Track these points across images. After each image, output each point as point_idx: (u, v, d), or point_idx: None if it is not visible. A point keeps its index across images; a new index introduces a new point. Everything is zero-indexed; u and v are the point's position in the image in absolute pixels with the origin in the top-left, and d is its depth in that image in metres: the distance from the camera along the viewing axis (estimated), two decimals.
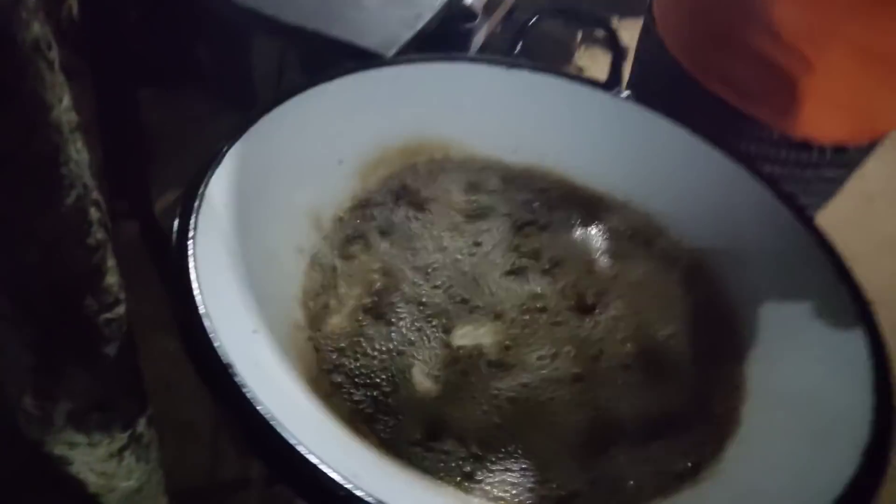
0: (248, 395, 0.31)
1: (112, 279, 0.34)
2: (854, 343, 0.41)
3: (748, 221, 0.50)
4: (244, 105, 1.15)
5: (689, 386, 0.43)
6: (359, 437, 0.37)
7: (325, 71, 0.49)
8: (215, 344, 0.33)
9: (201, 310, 0.34)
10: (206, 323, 0.33)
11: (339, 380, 0.40)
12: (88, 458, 0.37)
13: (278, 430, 0.30)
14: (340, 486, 0.30)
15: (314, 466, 0.30)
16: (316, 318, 0.42)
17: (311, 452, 0.30)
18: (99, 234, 0.32)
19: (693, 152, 0.52)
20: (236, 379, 0.32)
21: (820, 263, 0.46)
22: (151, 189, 1.08)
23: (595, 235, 0.51)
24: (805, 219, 0.48)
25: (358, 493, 0.29)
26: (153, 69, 1.14)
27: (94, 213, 0.31)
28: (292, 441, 0.30)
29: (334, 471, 0.30)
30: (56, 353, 0.33)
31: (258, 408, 0.31)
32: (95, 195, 0.32)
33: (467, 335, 0.42)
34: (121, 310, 0.35)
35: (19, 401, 0.34)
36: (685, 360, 0.45)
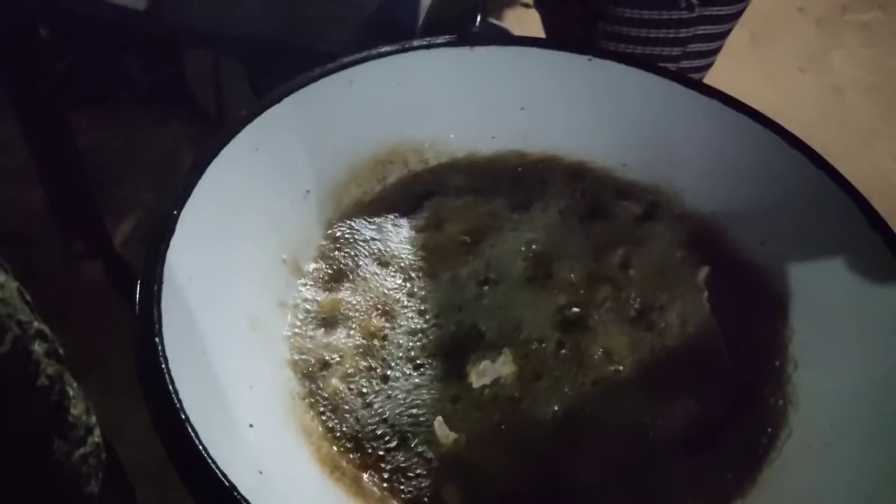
0: None
1: (78, 409, 0.29)
2: None
3: (760, 174, 0.46)
4: (183, 112, 1.07)
5: (734, 378, 0.40)
6: None
7: (268, 93, 0.43)
8: (210, 463, 0.28)
9: (188, 425, 0.29)
10: (196, 439, 0.29)
11: (350, 446, 0.36)
12: None
13: None
14: None
15: None
16: (314, 382, 0.38)
17: None
18: (50, 370, 0.27)
19: (688, 105, 0.48)
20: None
21: (846, 209, 0.42)
22: (106, 219, 1.02)
23: (595, 218, 0.47)
24: (824, 164, 0.44)
25: None
26: (80, 89, 1.05)
27: (38, 349, 0.26)
28: None
29: None
30: None
31: None
32: (36, 325, 0.26)
33: (486, 372, 0.38)
34: (95, 437, 0.30)
35: None
36: (726, 348, 0.41)
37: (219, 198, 0.39)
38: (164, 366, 0.31)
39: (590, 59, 0.48)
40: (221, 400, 0.32)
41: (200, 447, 0.29)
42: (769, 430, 0.38)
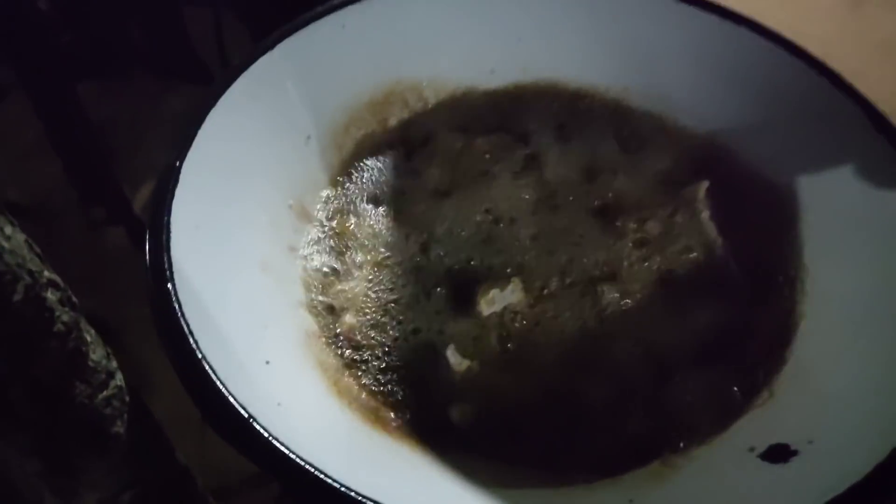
0: (280, 451, 0.28)
1: (97, 354, 0.30)
2: None
3: (764, 88, 0.45)
4: (192, 77, 1.07)
5: (744, 295, 0.40)
6: (401, 440, 0.34)
7: (261, 41, 0.43)
8: (230, 399, 0.29)
9: (205, 363, 0.30)
10: (213, 375, 0.30)
11: (368, 381, 0.37)
12: None
13: (326, 483, 0.27)
14: None
15: None
16: (328, 320, 0.39)
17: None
18: (65, 317, 0.28)
19: (685, 21, 0.47)
20: (263, 434, 0.29)
21: (850, 115, 0.42)
22: (124, 187, 1.03)
23: (604, 147, 0.46)
24: (824, 70, 0.43)
25: None
26: (86, 61, 1.06)
27: (51, 297, 0.27)
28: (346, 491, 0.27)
29: None
30: (61, 452, 0.30)
31: (295, 460, 0.28)
32: (47, 275, 0.27)
33: (495, 300, 0.38)
34: (117, 381, 0.31)
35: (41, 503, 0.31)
36: (736, 264, 0.41)
37: (219, 147, 0.39)
38: (178, 310, 0.32)
39: None
40: (236, 340, 0.33)
41: (218, 383, 0.30)
42: (782, 339, 0.38)
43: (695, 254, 0.41)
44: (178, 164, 0.37)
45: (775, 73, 0.43)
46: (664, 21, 0.46)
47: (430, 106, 0.48)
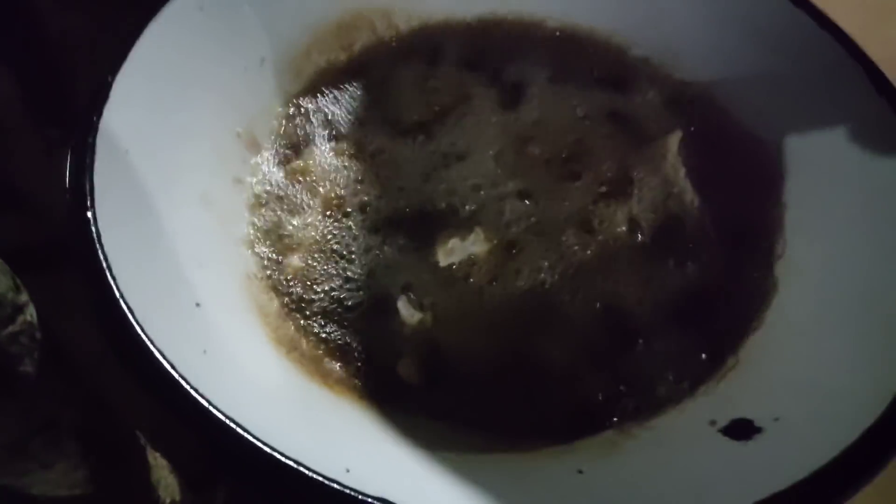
0: (200, 403, 0.25)
1: (1, 286, 0.27)
2: None
3: (761, 39, 0.41)
4: None
5: (718, 257, 0.37)
6: (342, 395, 0.32)
7: None
8: (147, 343, 0.26)
9: (122, 301, 0.27)
10: (130, 315, 0.27)
11: (311, 329, 0.34)
12: (46, 477, 0.32)
13: (249, 441, 0.25)
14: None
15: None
16: (273, 261, 0.36)
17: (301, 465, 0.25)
18: None
19: None
20: (181, 383, 0.26)
21: (852, 74, 0.39)
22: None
23: (580, 91, 0.43)
24: (827, 23, 0.40)
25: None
26: None
27: None
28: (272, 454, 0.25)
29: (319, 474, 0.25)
30: None
31: (214, 415, 0.25)
32: None
33: (454, 250, 0.35)
34: (26, 316, 0.28)
35: None
36: (711, 224, 0.38)
37: (160, 62, 0.35)
38: (95, 240, 0.29)
39: None
40: (163, 278, 0.30)
41: (135, 324, 0.27)
42: (754, 305, 0.36)
43: (669, 211, 0.38)
44: (109, 78, 0.33)
45: (775, 23, 0.40)
46: None
47: (400, 33, 0.44)
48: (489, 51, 0.44)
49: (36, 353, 0.29)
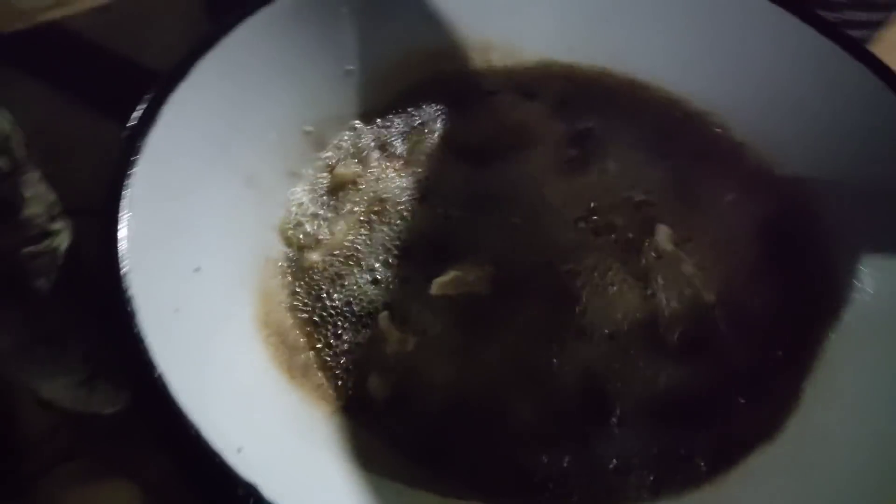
0: (139, 346, 0.28)
1: (32, 211, 0.31)
2: None
3: (867, 144, 0.37)
4: None
5: (738, 363, 0.34)
6: (299, 387, 0.33)
7: None
8: (122, 288, 0.29)
9: (117, 236, 0.30)
10: (118, 265, 0.30)
11: (300, 319, 0.35)
12: (52, 386, 0.36)
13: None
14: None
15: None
16: (295, 251, 0.38)
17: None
18: (0, 162, 0.29)
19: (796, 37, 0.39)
20: (134, 329, 0.28)
21: None
22: None
23: (657, 156, 0.41)
24: None
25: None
26: None
27: None
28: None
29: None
30: None
31: (148, 360, 0.27)
32: None
33: (452, 283, 0.35)
34: (50, 243, 0.32)
35: None
36: (747, 328, 0.35)
37: (249, 53, 0.39)
38: (123, 190, 0.32)
39: None
40: (173, 236, 0.33)
41: (120, 271, 0.30)
42: (771, 420, 0.32)
43: (687, 302, 0.35)
44: (192, 59, 0.37)
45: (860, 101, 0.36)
46: (772, 36, 0.39)
47: (493, 66, 0.45)
48: (576, 101, 0.43)
49: (53, 275, 0.33)
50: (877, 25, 0.52)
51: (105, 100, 0.55)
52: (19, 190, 0.30)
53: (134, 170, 0.33)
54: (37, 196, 0.32)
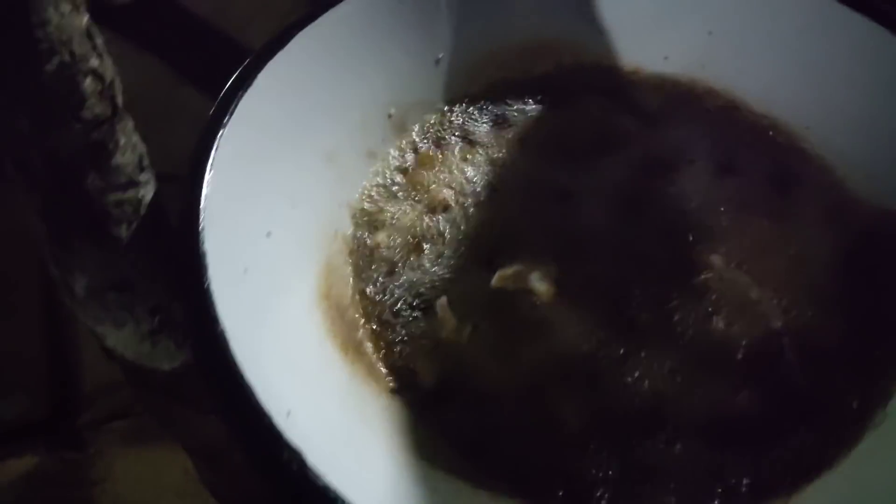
0: (205, 310, 0.28)
1: (124, 159, 0.32)
2: None
3: None
4: None
5: (801, 393, 0.32)
6: (352, 362, 0.33)
7: None
8: (198, 247, 0.30)
9: (197, 194, 0.31)
10: (197, 223, 0.31)
11: (362, 293, 0.36)
12: (118, 335, 0.37)
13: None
14: None
15: None
16: (364, 229, 0.38)
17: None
18: (97, 109, 0.30)
19: None
20: (202, 284, 0.29)
21: None
22: None
23: (746, 181, 0.39)
24: None
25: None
26: None
27: (89, 85, 0.30)
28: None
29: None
30: (62, 224, 0.33)
31: (211, 326, 0.28)
32: (93, 63, 0.30)
33: (513, 277, 0.34)
34: (139, 193, 0.34)
35: (49, 269, 0.35)
36: (812, 357, 0.33)
37: (345, 33, 0.39)
38: (210, 150, 0.33)
39: None
40: (250, 202, 0.34)
41: (198, 226, 0.31)
42: (818, 462, 0.30)
43: (753, 326, 0.34)
44: (295, 30, 0.38)
45: None
46: (873, 57, 0.37)
47: (584, 64, 0.44)
48: (664, 111, 0.42)
49: (134, 223, 0.34)
50: None
51: (203, 74, 0.57)
52: (115, 136, 0.32)
53: (223, 131, 0.34)
54: (129, 145, 0.33)
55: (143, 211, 0.35)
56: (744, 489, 0.30)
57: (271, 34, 0.38)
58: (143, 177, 0.34)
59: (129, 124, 0.33)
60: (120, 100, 0.32)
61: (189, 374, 0.39)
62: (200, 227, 0.30)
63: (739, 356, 0.33)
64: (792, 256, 0.36)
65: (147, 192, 0.35)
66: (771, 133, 0.41)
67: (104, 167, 0.32)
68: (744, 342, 0.33)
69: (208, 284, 0.29)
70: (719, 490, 0.30)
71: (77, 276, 0.34)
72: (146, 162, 0.35)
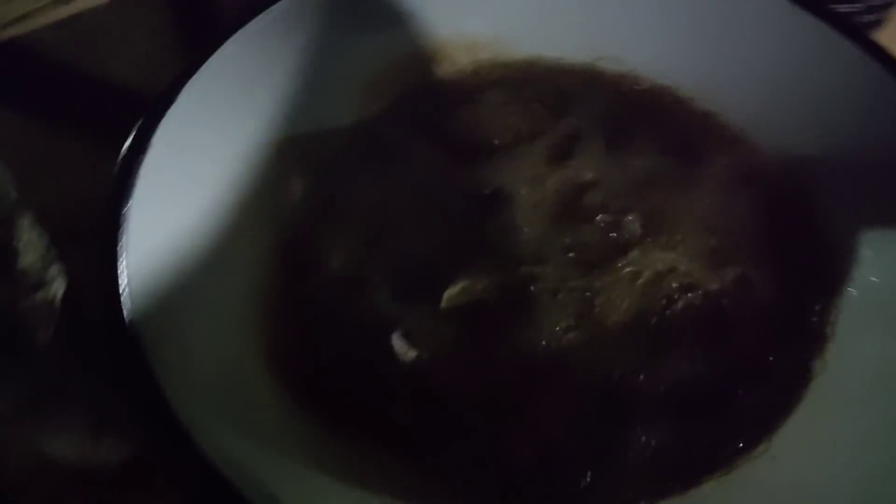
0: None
1: (28, 259, 0.30)
2: None
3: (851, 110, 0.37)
4: None
5: (751, 349, 0.34)
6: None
7: None
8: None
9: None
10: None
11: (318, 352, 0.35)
12: (57, 442, 0.35)
13: None
14: None
15: None
16: (293, 277, 0.37)
17: None
18: None
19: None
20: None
21: None
22: None
23: (648, 150, 0.40)
24: None
25: None
26: None
27: None
28: None
29: None
30: None
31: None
32: None
33: (460, 294, 0.34)
34: (46, 293, 0.31)
35: None
36: (753, 312, 0.35)
37: (234, 72, 0.38)
38: (119, 229, 0.31)
39: None
40: (175, 268, 0.32)
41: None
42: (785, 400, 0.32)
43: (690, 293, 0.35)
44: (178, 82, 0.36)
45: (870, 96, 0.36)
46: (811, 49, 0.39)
47: (481, 66, 0.44)
48: (563, 97, 0.43)
49: (52, 325, 0.32)
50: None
51: (77, 118, 0.53)
52: (16, 235, 0.29)
53: (129, 203, 0.32)
54: (31, 243, 0.30)
55: (58, 310, 0.32)
56: (719, 450, 0.31)
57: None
58: (51, 272, 0.32)
59: (27, 220, 0.31)
60: (13, 196, 0.29)
61: (143, 460, 0.38)
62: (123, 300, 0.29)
63: (686, 327, 0.34)
64: (709, 221, 0.38)
65: (58, 288, 0.33)
66: (674, 104, 0.42)
67: (11, 273, 0.30)
68: (687, 312, 0.35)
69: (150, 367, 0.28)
70: (697, 455, 0.31)
71: (2, 397, 0.32)
72: (51, 256, 0.32)
